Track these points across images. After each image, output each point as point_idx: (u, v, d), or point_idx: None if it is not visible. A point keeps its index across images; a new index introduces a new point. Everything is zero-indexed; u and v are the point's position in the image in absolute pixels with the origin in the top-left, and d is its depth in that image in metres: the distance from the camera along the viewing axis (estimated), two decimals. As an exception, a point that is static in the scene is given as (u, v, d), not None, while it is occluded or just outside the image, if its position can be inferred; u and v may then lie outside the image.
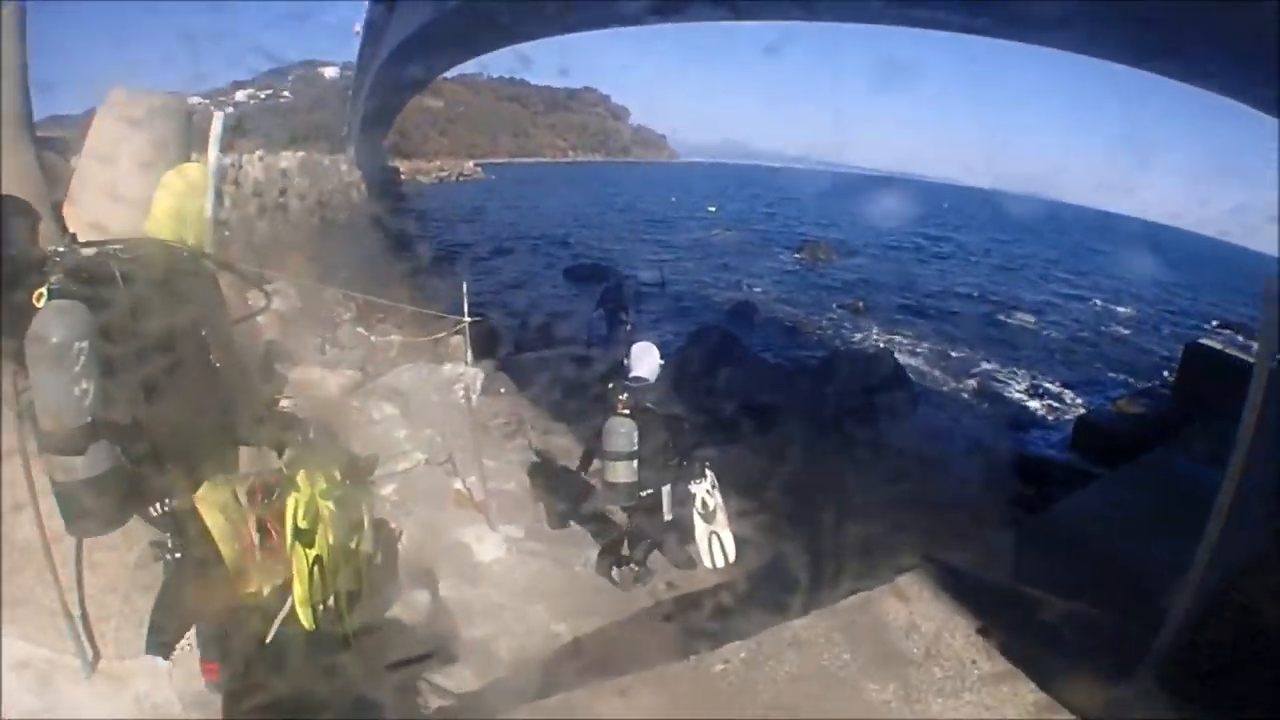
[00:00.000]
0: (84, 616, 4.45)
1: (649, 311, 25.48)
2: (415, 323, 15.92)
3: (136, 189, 5.00)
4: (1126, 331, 37.75)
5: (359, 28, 52.79)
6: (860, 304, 35.18)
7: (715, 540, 7.24)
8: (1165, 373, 26.40)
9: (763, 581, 7.67)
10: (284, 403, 8.64)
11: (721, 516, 7.30)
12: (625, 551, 7.71)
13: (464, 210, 71.15)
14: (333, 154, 61.84)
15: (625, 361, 7.51)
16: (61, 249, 3.06)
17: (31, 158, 5.39)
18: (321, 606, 3.60)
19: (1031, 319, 36.98)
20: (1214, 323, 39.71)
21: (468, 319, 13.13)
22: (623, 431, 6.81)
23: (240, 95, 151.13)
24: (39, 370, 2.81)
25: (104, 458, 2.92)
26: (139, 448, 3.05)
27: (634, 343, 7.78)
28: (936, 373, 25.44)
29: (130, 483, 3.05)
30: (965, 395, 23.62)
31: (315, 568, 3.54)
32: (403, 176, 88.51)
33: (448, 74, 77.95)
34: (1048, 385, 25.69)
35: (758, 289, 36.90)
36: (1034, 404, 23.57)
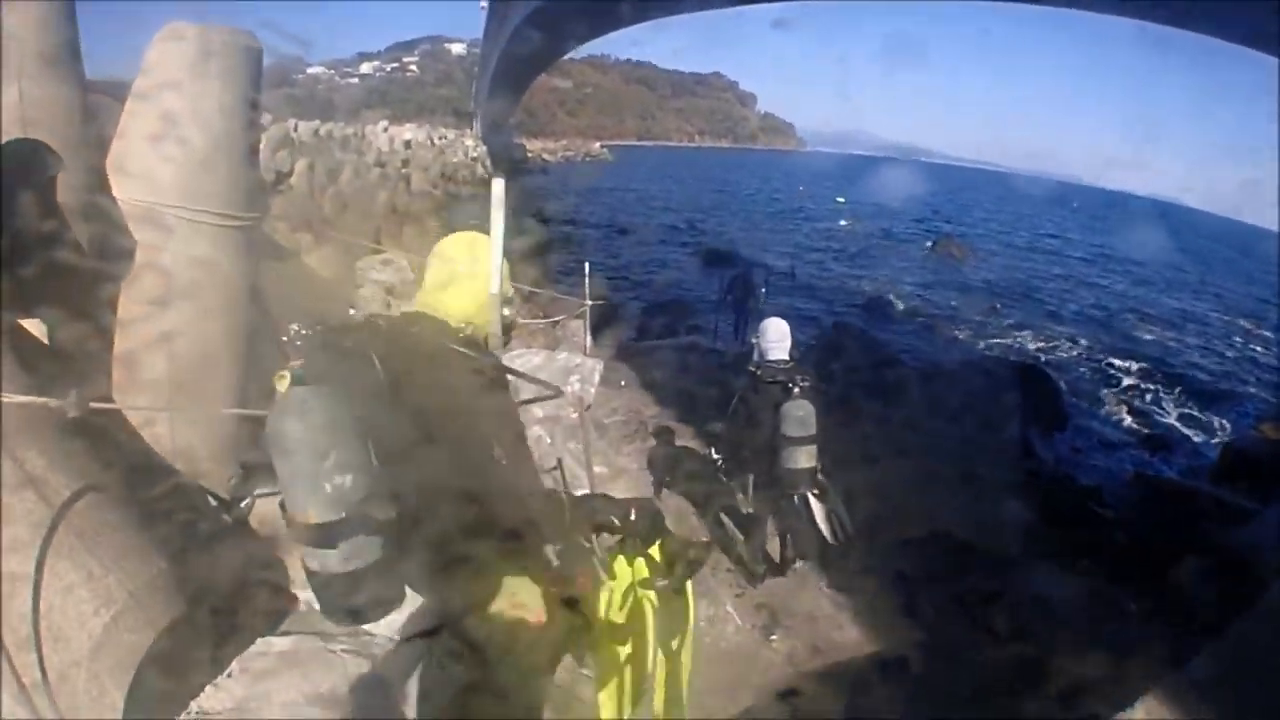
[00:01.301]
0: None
1: (777, 303, 24.85)
2: (534, 303, 15.40)
3: (195, 136, 5.08)
4: (1259, 349, 36.57)
5: (485, 2, 52.56)
6: (997, 305, 34.50)
7: (834, 517, 6.92)
8: None
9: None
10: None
11: (834, 494, 6.92)
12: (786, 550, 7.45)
13: (589, 190, 70.64)
14: (459, 128, 62.40)
15: (755, 341, 7.16)
16: (307, 329, 2.62)
17: (74, 92, 4.83)
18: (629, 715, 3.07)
19: (1167, 333, 36.23)
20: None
21: (589, 302, 12.38)
22: (802, 414, 6.45)
23: (366, 67, 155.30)
24: (284, 463, 2.30)
25: (364, 551, 2.39)
26: (408, 541, 2.52)
27: (742, 332, 6.97)
28: (1080, 384, 24.69)
29: (396, 575, 2.52)
30: (1107, 409, 22.94)
31: (628, 669, 3.05)
32: (529, 154, 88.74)
33: (575, 54, 78.84)
34: (1183, 400, 25.13)
35: (890, 284, 35.86)
36: (1174, 421, 22.94)
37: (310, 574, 2.45)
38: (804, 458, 6.55)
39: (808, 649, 6.70)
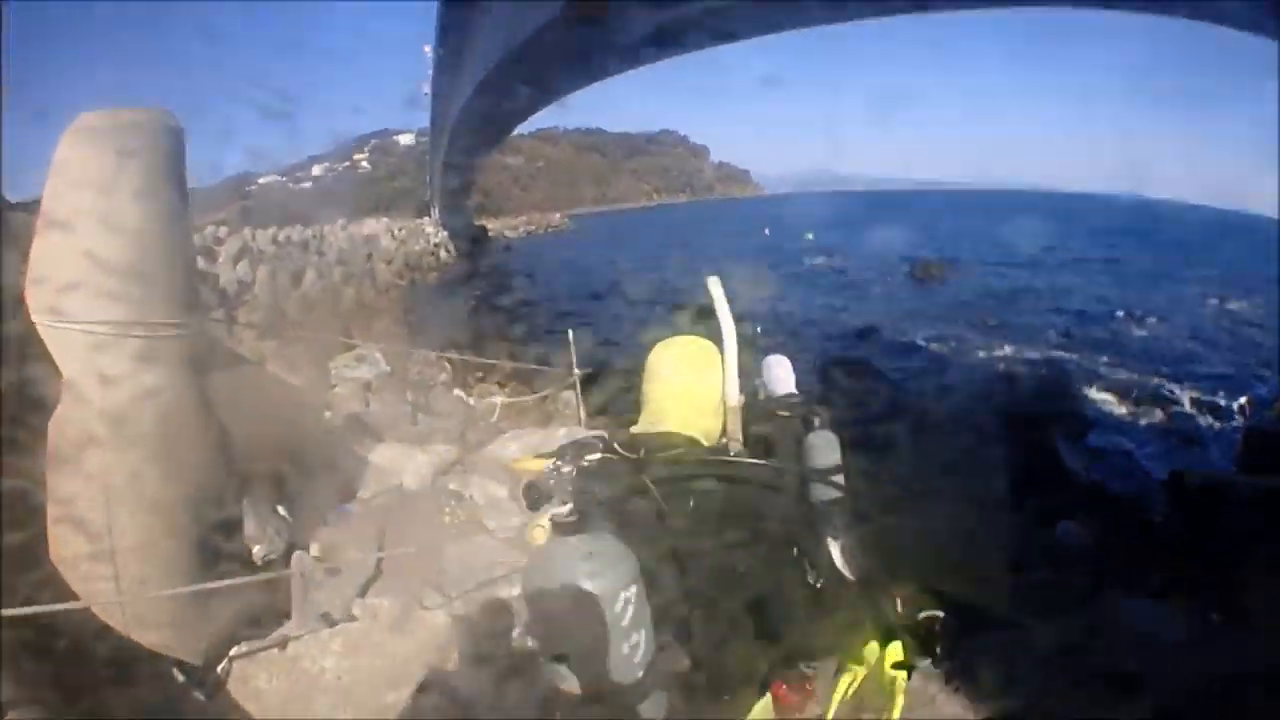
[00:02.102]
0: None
1: (773, 341, 24.70)
2: (518, 381, 14.68)
3: (115, 238, 4.53)
4: (1244, 321, 37.38)
5: (427, 89, 53.24)
6: (989, 319, 34.35)
7: (847, 552, 5.87)
8: None
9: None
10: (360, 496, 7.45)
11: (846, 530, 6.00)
12: None
13: (555, 261, 70.48)
14: (417, 218, 63.84)
15: (758, 382, 6.09)
16: (568, 462, 2.47)
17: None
18: None
19: (1160, 325, 36.05)
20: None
21: (578, 371, 11.64)
22: (826, 444, 5.37)
23: (317, 170, 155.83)
24: (558, 626, 2.10)
25: (658, 705, 2.20)
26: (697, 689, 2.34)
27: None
28: (1088, 387, 23.94)
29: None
30: (1121, 409, 22.45)
31: None
32: (490, 233, 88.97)
33: (523, 129, 79.30)
34: (1193, 389, 24.85)
35: (877, 312, 36.04)
36: (1189, 411, 22.77)
37: None
38: (832, 490, 5.80)
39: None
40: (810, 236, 79.94)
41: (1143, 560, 10.12)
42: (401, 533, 6.67)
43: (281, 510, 6.24)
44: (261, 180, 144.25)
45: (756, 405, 5.23)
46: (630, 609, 2.09)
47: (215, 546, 5.04)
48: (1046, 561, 9.62)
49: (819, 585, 2.62)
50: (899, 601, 2.86)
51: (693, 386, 2.64)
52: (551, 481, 2.48)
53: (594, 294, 44.56)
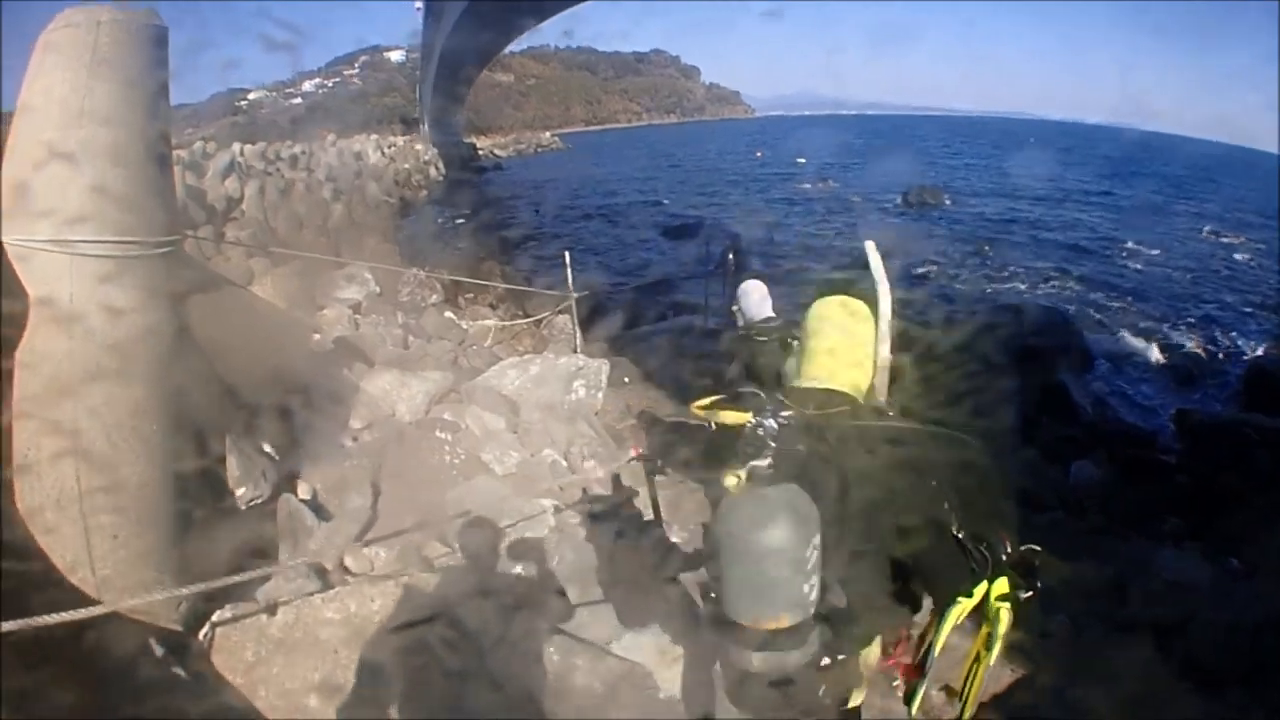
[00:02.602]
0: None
1: (774, 268, 24.68)
2: (511, 303, 14.34)
3: (89, 147, 4.14)
4: (1242, 257, 37.47)
5: (419, 4, 52.52)
6: (986, 248, 34.18)
7: None
8: None
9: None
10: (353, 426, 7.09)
11: None
12: None
13: (546, 180, 69.44)
14: (407, 134, 63.66)
15: (736, 308, 6.62)
16: (767, 420, 2.70)
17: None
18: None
19: (1152, 255, 36.24)
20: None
21: (574, 294, 11.40)
22: None
23: (308, 85, 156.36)
24: (744, 568, 2.44)
25: (815, 645, 2.55)
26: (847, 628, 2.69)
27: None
28: (1087, 322, 23.87)
29: (845, 664, 2.71)
30: (1122, 343, 22.31)
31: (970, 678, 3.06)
32: (480, 151, 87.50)
33: (514, 47, 79.30)
34: (1192, 324, 25.10)
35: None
36: (1191, 346, 22.66)
37: (730, 669, 2.62)
38: None
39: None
40: (802, 160, 79.33)
41: (1158, 504, 10.07)
42: (397, 469, 6.19)
43: (268, 447, 5.74)
44: (251, 95, 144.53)
45: (738, 329, 6.44)
46: (815, 555, 2.45)
47: (196, 489, 4.62)
48: (1061, 502, 9.49)
49: (958, 532, 2.80)
50: (1005, 540, 2.90)
51: (852, 343, 2.92)
52: (760, 433, 2.64)
53: (585, 214, 44.15)
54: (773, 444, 2.64)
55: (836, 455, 2.66)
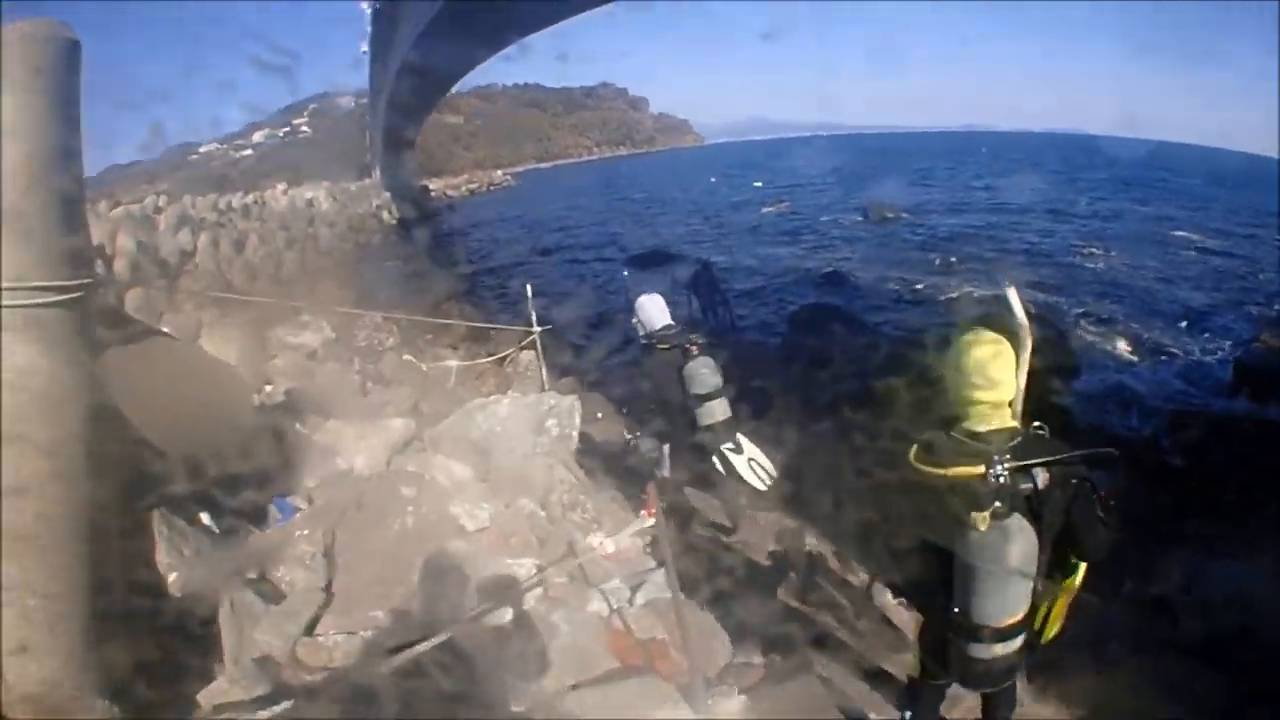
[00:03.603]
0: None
1: (741, 289, 24.65)
2: (472, 341, 13.89)
3: None
4: (1193, 253, 38.42)
5: (365, 47, 52.62)
6: (951, 259, 34.17)
7: (754, 465, 7.07)
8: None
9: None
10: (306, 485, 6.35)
11: (749, 444, 7.09)
12: None
13: (500, 218, 70.55)
14: (359, 180, 63.62)
15: (635, 321, 7.26)
16: (995, 470, 3.32)
17: None
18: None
19: (1121, 260, 36.19)
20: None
21: (538, 328, 10.95)
22: (707, 371, 6.75)
23: (258, 136, 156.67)
24: (992, 581, 3.37)
25: (1012, 644, 3.56)
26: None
27: (725, 321, 6.31)
28: (1063, 322, 23.88)
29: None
30: (1103, 346, 22.74)
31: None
32: (433, 193, 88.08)
33: (462, 88, 79.97)
34: (1165, 323, 25.37)
35: (838, 258, 36.20)
36: (1170, 346, 23.04)
37: (973, 662, 3.58)
38: (719, 411, 6.78)
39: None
40: (759, 184, 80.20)
41: (1176, 509, 9.98)
42: (353, 537, 5.33)
43: (205, 517, 5.03)
44: (203, 149, 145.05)
45: (638, 340, 7.07)
46: (1034, 565, 3.36)
47: (119, 579, 3.88)
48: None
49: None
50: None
51: (1008, 382, 3.54)
52: (995, 480, 3.27)
53: (542, 249, 43.97)
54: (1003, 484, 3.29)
55: (1034, 489, 3.34)
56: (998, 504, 3.25)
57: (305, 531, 5.43)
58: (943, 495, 3.39)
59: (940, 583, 3.56)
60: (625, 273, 31.01)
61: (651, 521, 5.13)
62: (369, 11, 48.13)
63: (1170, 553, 7.77)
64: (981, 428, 3.46)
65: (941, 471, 3.38)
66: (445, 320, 13.41)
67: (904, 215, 49.05)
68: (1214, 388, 18.48)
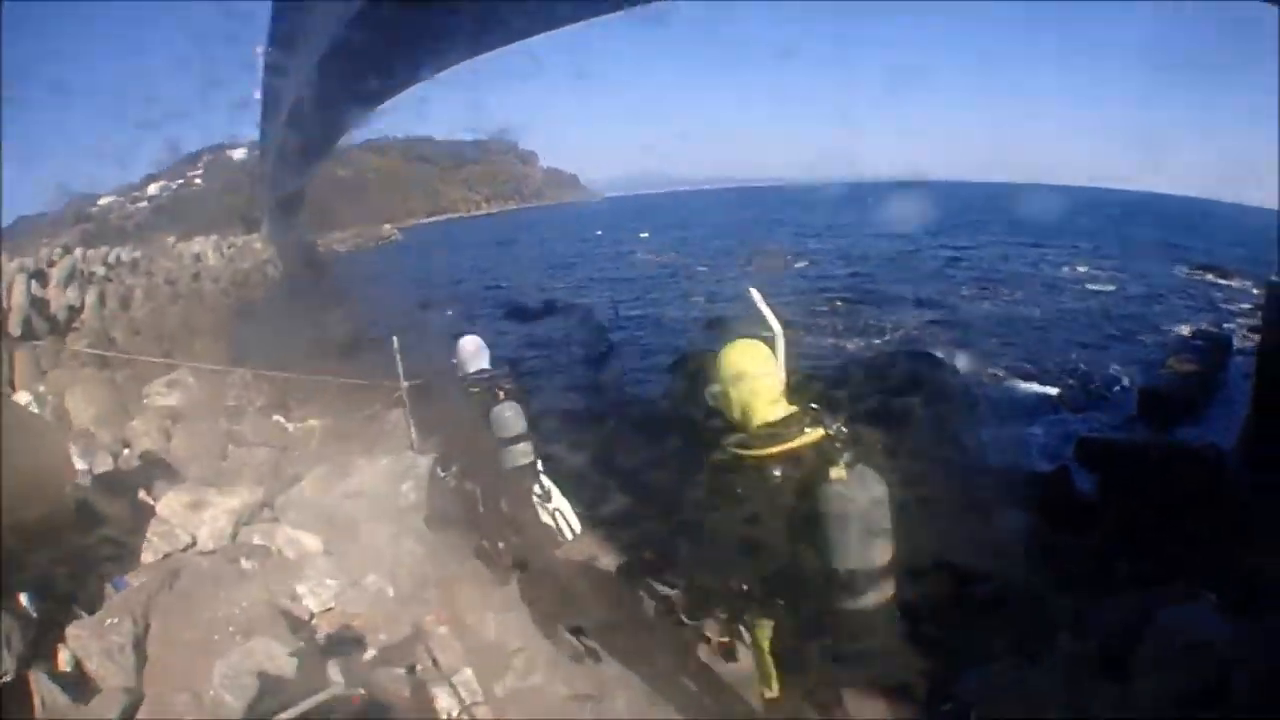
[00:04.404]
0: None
1: (628, 336, 24.91)
2: (343, 400, 13.10)
3: None
4: (1096, 288, 40.38)
5: (258, 95, 52.16)
6: (838, 303, 35.45)
7: (560, 516, 7.05)
8: (1184, 326, 30.13)
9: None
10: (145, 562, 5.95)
11: (557, 495, 7.09)
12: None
13: (384, 273, 71.70)
14: (249, 234, 63.38)
15: (455, 361, 7.25)
16: (840, 426, 3.78)
17: None
18: None
19: (1005, 294, 38.70)
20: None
21: (405, 383, 10.50)
22: (510, 415, 6.71)
23: (153, 188, 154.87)
24: (846, 525, 3.56)
25: (885, 591, 3.73)
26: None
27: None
28: (955, 361, 24.19)
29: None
30: (995, 383, 23.69)
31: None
32: (320, 247, 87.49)
33: (354, 141, 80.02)
34: (1054, 355, 26.75)
35: (724, 304, 35.81)
36: (1065, 377, 24.02)
37: (846, 614, 3.69)
38: (520, 456, 6.75)
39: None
40: (645, 235, 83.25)
41: (1099, 549, 9.97)
42: (164, 627, 4.93)
43: (24, 600, 4.65)
44: (101, 201, 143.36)
45: (453, 382, 7.03)
46: (884, 514, 3.64)
47: None
48: (1003, 563, 8.84)
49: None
50: None
51: (777, 372, 3.93)
52: (845, 433, 3.68)
53: (424, 303, 44.30)
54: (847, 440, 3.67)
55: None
56: (847, 455, 3.58)
57: (114, 620, 4.92)
58: (794, 465, 3.65)
59: (805, 548, 3.70)
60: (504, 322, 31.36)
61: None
62: (261, 58, 47.56)
63: (1107, 599, 7.43)
64: (780, 414, 3.81)
65: (791, 445, 3.67)
66: (315, 376, 12.96)
67: (790, 263, 50.96)
68: (1118, 417, 19.23)
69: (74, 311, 21.27)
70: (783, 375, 4.03)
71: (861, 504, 3.51)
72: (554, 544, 7.05)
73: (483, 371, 7.00)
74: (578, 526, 7.02)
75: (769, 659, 4.26)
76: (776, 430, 3.72)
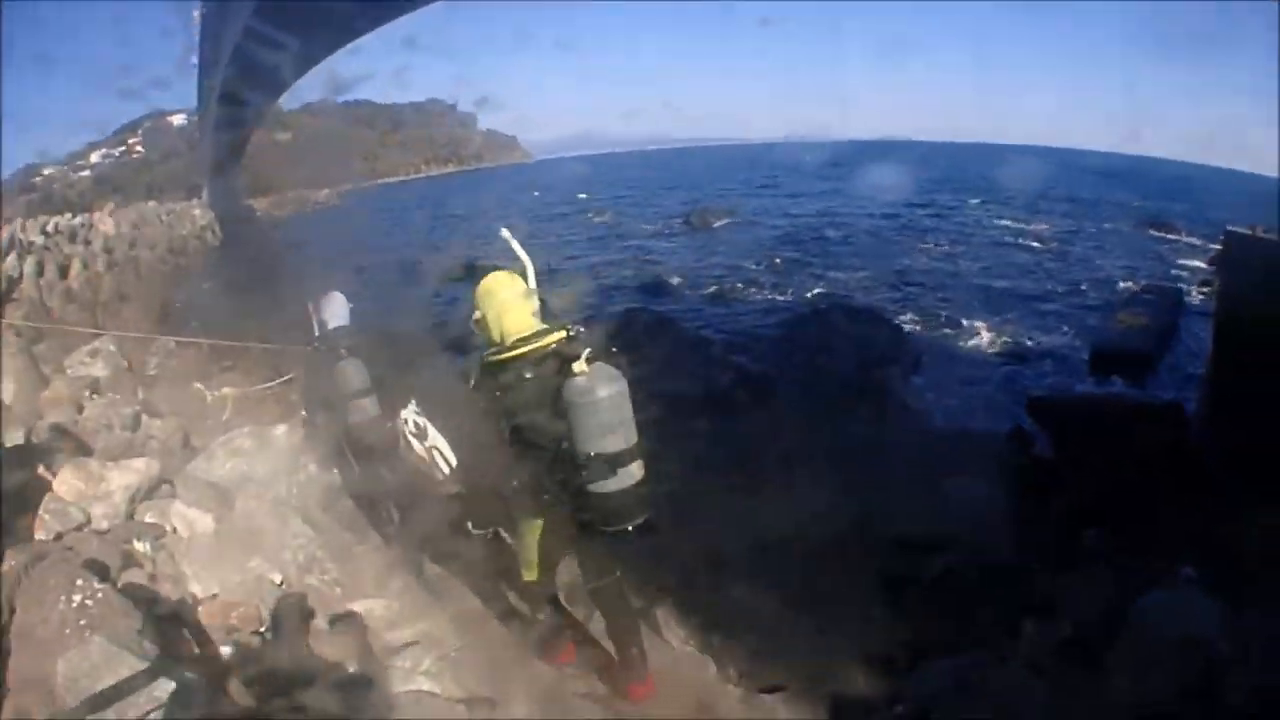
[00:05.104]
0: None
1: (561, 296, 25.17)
2: (266, 368, 12.50)
3: None
4: (1038, 244, 40.88)
5: (194, 58, 51.30)
6: (777, 260, 35.63)
7: (436, 453, 6.63)
8: (1127, 281, 30.49)
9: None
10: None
11: (433, 431, 6.62)
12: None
13: (321, 238, 70.10)
14: (188, 200, 63.36)
15: (314, 320, 7.40)
16: (578, 328, 4.62)
17: None
18: None
19: (944, 249, 39.19)
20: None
21: (294, 348, 9.61)
22: (352, 370, 6.78)
23: (95, 156, 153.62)
24: (587, 413, 4.18)
25: (639, 470, 4.34)
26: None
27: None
28: (899, 316, 24.75)
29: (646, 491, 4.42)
30: (943, 339, 23.55)
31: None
32: (258, 212, 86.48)
33: (293, 104, 79.43)
34: (1000, 308, 26.92)
35: (661, 264, 37.17)
36: (1015, 331, 24.17)
37: (598, 496, 4.28)
38: (370, 409, 6.77)
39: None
40: (583, 195, 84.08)
41: (1062, 515, 9.70)
42: (20, 619, 4.28)
43: None
44: (46, 171, 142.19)
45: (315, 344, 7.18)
46: (625, 403, 4.31)
47: None
48: (953, 538, 8.49)
49: None
50: None
51: (514, 302, 4.66)
52: (583, 334, 4.50)
53: (358, 267, 43.25)
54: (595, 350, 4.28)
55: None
56: (588, 351, 4.25)
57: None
58: (543, 366, 4.43)
59: (558, 439, 4.38)
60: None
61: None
62: (198, 19, 46.77)
63: (1076, 575, 7.08)
64: (531, 328, 4.59)
65: (538, 345, 4.46)
66: (237, 343, 12.57)
67: (728, 220, 51.40)
68: (1072, 370, 19.41)
69: (13, 282, 21.35)
70: (536, 302, 4.71)
71: (600, 395, 4.15)
72: (431, 482, 6.69)
73: (342, 328, 7.13)
74: (455, 460, 6.59)
75: (533, 549, 4.96)
76: (528, 340, 4.49)
